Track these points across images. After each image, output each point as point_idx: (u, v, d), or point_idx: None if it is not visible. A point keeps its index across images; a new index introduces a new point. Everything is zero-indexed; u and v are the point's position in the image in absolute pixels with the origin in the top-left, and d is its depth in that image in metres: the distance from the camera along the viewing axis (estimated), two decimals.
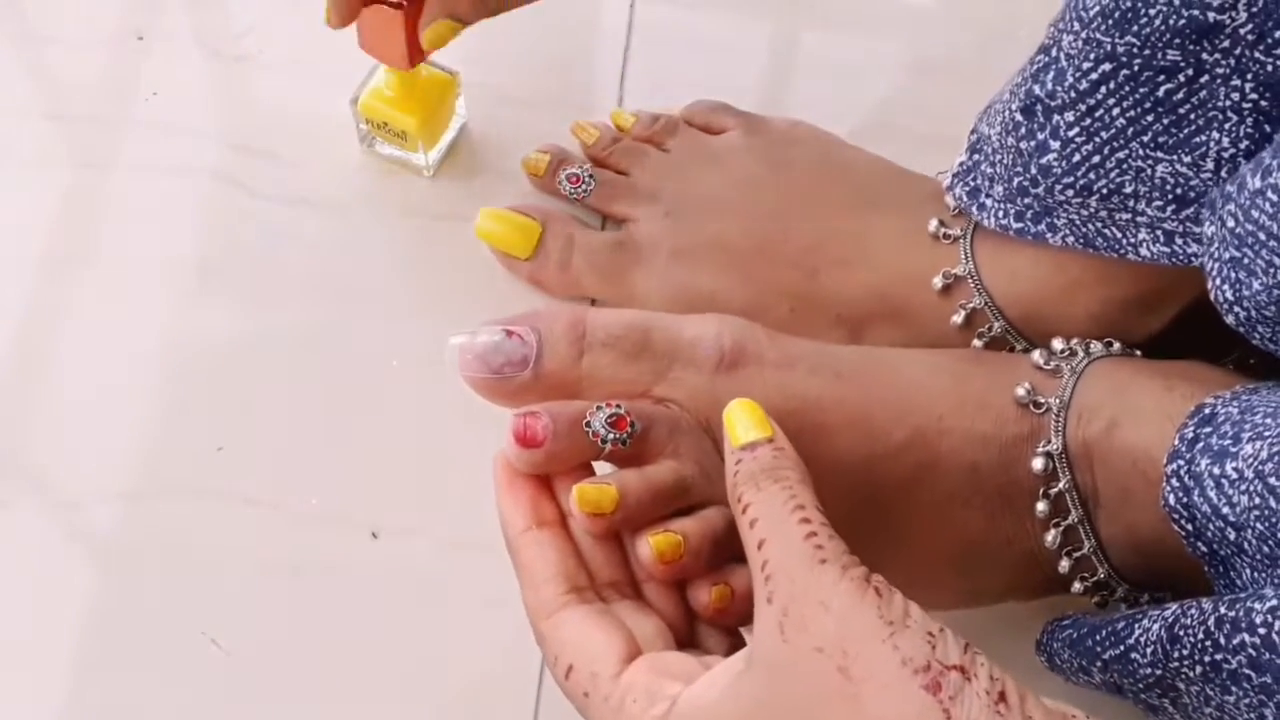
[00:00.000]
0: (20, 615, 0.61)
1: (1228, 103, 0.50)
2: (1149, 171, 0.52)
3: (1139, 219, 0.54)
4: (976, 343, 0.60)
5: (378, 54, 0.64)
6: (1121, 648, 0.49)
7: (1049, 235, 0.56)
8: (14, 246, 0.69)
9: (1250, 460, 0.45)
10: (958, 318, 0.60)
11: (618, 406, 0.47)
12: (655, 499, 0.46)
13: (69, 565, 0.62)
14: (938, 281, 0.60)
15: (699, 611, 0.47)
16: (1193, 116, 0.51)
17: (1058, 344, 0.56)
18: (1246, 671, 0.43)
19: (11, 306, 0.67)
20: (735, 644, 0.47)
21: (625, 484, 0.46)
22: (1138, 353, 0.57)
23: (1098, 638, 0.51)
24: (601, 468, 0.49)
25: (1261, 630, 0.42)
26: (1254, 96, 0.49)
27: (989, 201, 0.58)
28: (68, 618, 0.60)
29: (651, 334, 0.50)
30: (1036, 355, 0.55)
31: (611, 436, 0.47)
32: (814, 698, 0.38)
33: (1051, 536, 0.52)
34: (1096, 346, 0.56)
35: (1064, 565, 0.53)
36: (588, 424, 0.47)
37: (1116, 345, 0.57)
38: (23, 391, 0.65)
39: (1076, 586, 0.54)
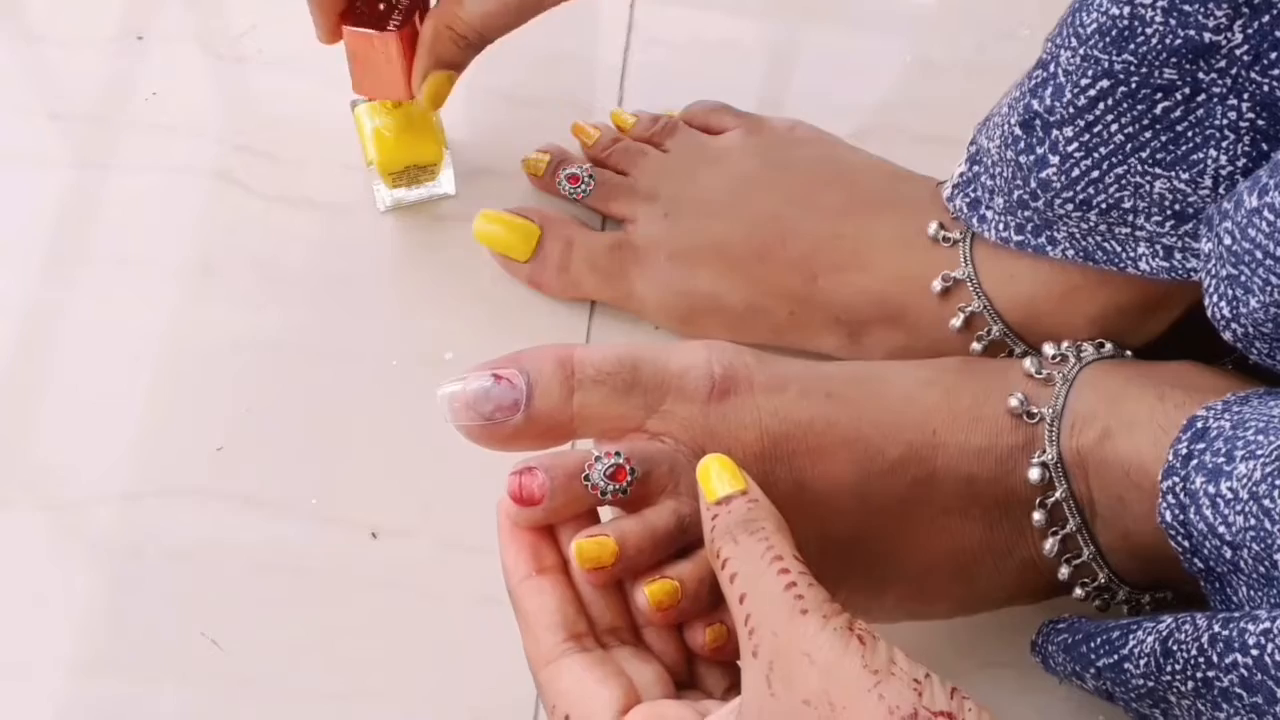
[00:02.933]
0: (20, 615, 0.61)
1: (1225, 121, 0.50)
2: (1147, 187, 0.52)
3: (1138, 233, 0.54)
4: (975, 346, 0.60)
5: (376, 92, 0.64)
6: (1115, 657, 0.49)
7: (1049, 248, 0.56)
8: (14, 246, 0.69)
9: (1244, 480, 0.46)
10: (956, 321, 0.60)
11: (616, 456, 0.47)
12: (655, 545, 0.46)
13: (69, 565, 0.62)
14: (937, 285, 0.60)
15: (696, 651, 0.47)
16: (1190, 134, 0.51)
17: (1049, 349, 0.56)
18: (1238, 691, 0.43)
19: (12, 306, 0.67)
20: (734, 679, 0.47)
21: (624, 534, 0.46)
22: (1129, 353, 0.57)
23: (1092, 645, 0.51)
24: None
25: (1254, 651, 0.42)
26: (1251, 115, 0.49)
27: (989, 214, 0.57)
28: (68, 618, 0.61)
29: (640, 368, 0.49)
30: (1028, 363, 0.55)
31: (611, 489, 0.47)
32: None
33: (1050, 544, 0.53)
34: (1088, 350, 0.56)
35: (1064, 572, 0.53)
36: (586, 477, 0.47)
37: (1109, 346, 0.57)
38: (23, 391, 0.66)
39: (1078, 592, 0.54)
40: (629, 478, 0.47)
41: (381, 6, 0.61)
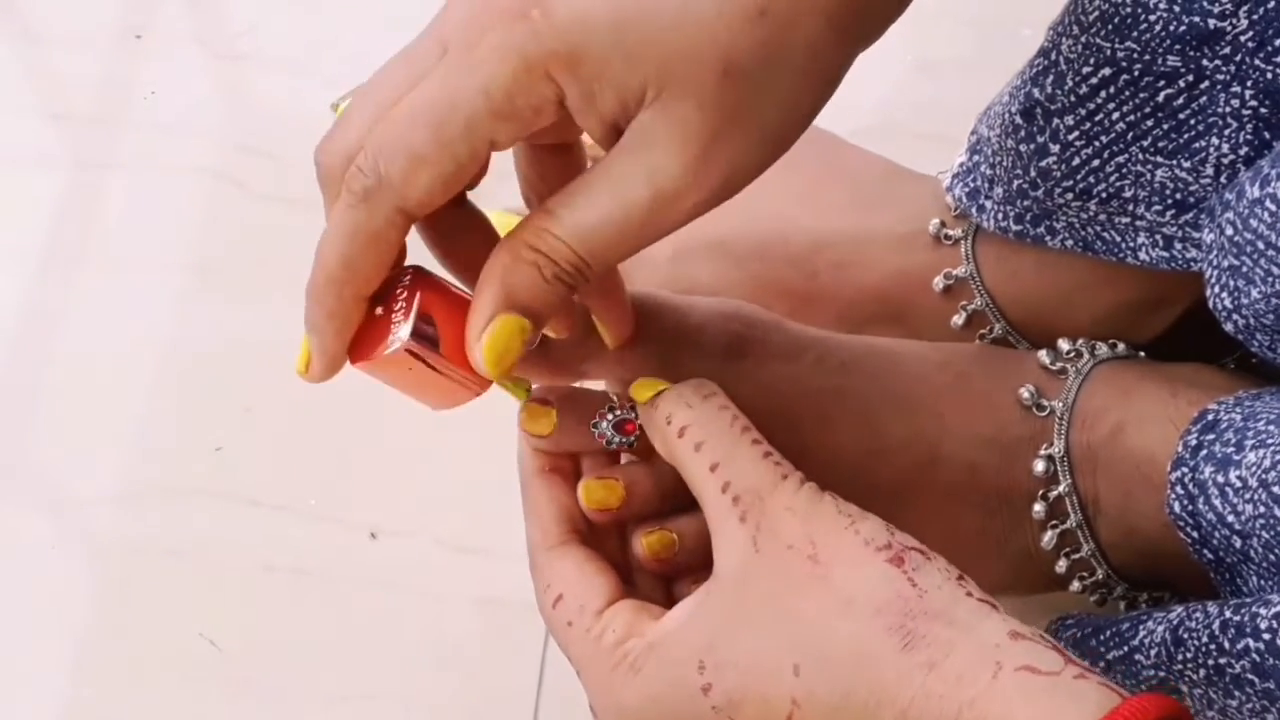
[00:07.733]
0: (20, 615, 0.61)
1: (1228, 109, 0.50)
2: (1148, 176, 0.52)
3: (1138, 223, 0.54)
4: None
5: (448, 402, 0.45)
6: (1126, 649, 0.49)
7: (1048, 238, 0.56)
8: (14, 246, 0.69)
9: (1254, 468, 0.46)
10: (958, 319, 0.60)
11: (629, 411, 0.47)
12: (661, 497, 0.47)
13: (69, 565, 0.62)
14: (939, 282, 0.60)
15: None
16: (1192, 122, 0.51)
17: (1064, 344, 0.56)
18: (1250, 677, 0.43)
19: (11, 306, 0.67)
20: None
21: (634, 482, 0.47)
22: (1142, 354, 0.57)
23: (1102, 638, 0.51)
24: None
25: (1266, 636, 0.42)
26: (1254, 103, 0.49)
27: (988, 203, 0.57)
28: (67, 618, 0.60)
29: (661, 317, 0.50)
30: (1043, 355, 0.55)
31: (618, 440, 0.47)
32: (786, 586, 0.40)
33: (1049, 537, 0.52)
34: (1102, 348, 0.56)
35: (1061, 565, 0.53)
36: (595, 424, 0.47)
37: (1121, 346, 0.56)
38: (23, 391, 0.66)
39: (1075, 585, 0.54)
40: (637, 431, 0.47)
41: (379, 311, 0.45)
